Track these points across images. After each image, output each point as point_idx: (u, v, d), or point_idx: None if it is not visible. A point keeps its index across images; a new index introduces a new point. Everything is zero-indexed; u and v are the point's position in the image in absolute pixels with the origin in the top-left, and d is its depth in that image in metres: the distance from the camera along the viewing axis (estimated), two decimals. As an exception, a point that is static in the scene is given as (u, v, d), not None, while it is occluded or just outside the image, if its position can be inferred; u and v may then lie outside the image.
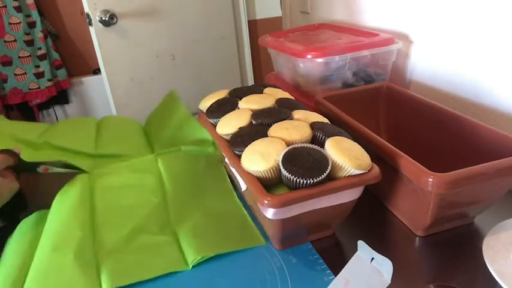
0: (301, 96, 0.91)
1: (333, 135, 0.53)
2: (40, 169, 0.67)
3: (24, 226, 0.63)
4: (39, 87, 1.89)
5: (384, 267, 0.46)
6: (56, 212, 0.63)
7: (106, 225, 0.60)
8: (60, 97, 2.00)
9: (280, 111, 0.60)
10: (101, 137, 0.85)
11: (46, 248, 0.56)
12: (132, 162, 0.72)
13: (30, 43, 1.81)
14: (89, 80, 2.05)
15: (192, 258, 0.54)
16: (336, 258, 0.54)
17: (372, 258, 0.48)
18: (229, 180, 0.73)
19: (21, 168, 0.65)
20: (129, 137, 0.87)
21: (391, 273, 0.45)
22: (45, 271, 0.53)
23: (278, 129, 0.54)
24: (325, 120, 0.60)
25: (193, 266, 0.54)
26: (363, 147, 0.52)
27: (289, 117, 0.58)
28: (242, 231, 0.60)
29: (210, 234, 0.59)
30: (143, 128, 0.96)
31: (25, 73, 1.84)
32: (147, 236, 0.58)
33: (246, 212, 0.64)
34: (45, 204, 0.67)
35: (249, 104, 0.64)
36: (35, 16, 1.80)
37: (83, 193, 0.65)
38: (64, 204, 0.64)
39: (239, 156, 0.54)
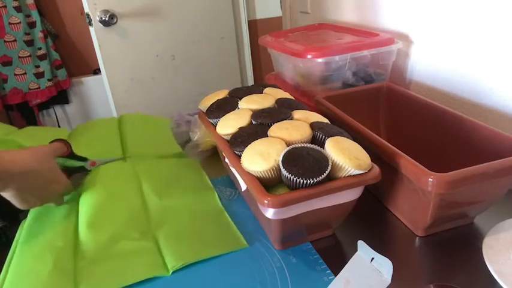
0: (301, 96, 0.91)
1: (333, 135, 0.53)
2: (87, 165, 0.70)
3: (25, 227, 0.63)
4: (39, 87, 1.89)
5: (384, 267, 0.46)
6: (42, 220, 0.64)
7: (87, 234, 0.59)
8: (60, 97, 1.99)
9: (280, 111, 0.60)
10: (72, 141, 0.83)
11: (27, 255, 0.57)
12: (108, 171, 0.71)
13: (30, 43, 1.81)
14: (89, 80, 2.05)
15: (172, 264, 0.53)
16: (336, 258, 0.54)
17: (372, 258, 0.48)
18: (208, 180, 0.73)
19: (70, 168, 0.68)
20: (100, 141, 0.84)
21: (391, 273, 0.45)
22: (23, 278, 0.53)
23: (278, 129, 0.54)
24: (325, 120, 0.59)
25: (192, 266, 0.54)
26: (363, 147, 0.52)
27: (289, 117, 0.58)
28: (224, 234, 0.59)
29: (191, 238, 0.58)
30: (119, 120, 0.92)
31: (25, 73, 1.84)
32: (127, 242, 0.57)
33: (227, 214, 0.64)
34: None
35: (249, 104, 0.64)
36: (35, 16, 1.80)
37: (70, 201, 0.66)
38: (51, 213, 0.65)
39: (239, 156, 0.54)
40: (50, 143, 0.68)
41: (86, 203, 0.64)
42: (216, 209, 0.65)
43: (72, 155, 0.69)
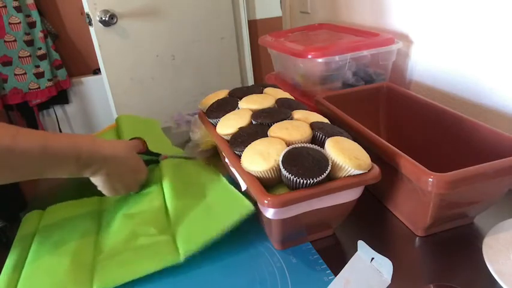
0: (301, 96, 0.91)
1: (333, 135, 0.53)
2: (160, 158, 0.76)
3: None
4: (39, 87, 1.89)
5: (384, 267, 0.46)
6: (60, 220, 0.64)
7: (108, 235, 0.60)
8: (60, 97, 1.99)
9: (280, 111, 0.60)
10: None
11: (44, 252, 0.57)
12: None
13: (30, 43, 1.81)
14: (89, 80, 2.05)
15: (184, 249, 0.53)
16: (336, 258, 0.54)
17: (372, 258, 0.48)
18: (222, 176, 0.73)
19: (146, 159, 0.73)
20: None
21: (391, 273, 0.45)
22: (40, 272, 0.53)
23: (278, 129, 0.54)
24: (325, 120, 0.59)
25: (192, 266, 0.54)
26: (363, 147, 0.52)
27: (289, 117, 0.58)
28: (226, 199, 0.60)
29: (200, 222, 0.58)
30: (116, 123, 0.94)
31: (25, 73, 1.84)
32: (145, 237, 0.58)
33: (225, 180, 0.65)
34: (45, 204, 0.67)
35: (249, 104, 0.64)
36: (35, 16, 1.80)
37: (93, 203, 0.68)
38: (69, 211, 0.66)
39: (239, 156, 0.54)
40: (129, 140, 0.72)
41: (113, 209, 0.66)
42: (218, 181, 0.67)
43: (148, 152, 0.75)
